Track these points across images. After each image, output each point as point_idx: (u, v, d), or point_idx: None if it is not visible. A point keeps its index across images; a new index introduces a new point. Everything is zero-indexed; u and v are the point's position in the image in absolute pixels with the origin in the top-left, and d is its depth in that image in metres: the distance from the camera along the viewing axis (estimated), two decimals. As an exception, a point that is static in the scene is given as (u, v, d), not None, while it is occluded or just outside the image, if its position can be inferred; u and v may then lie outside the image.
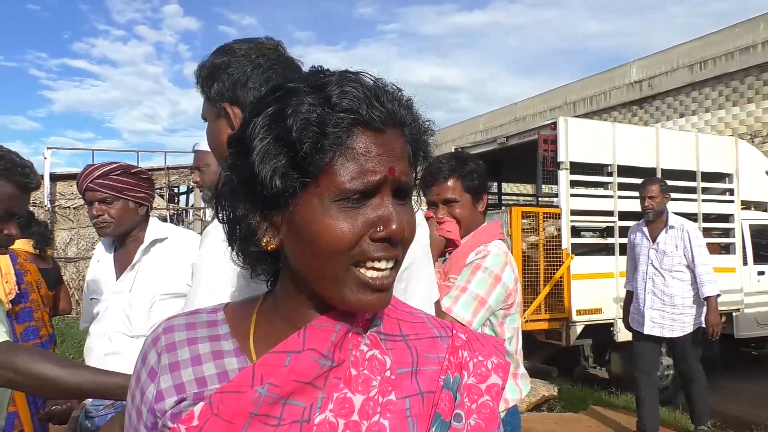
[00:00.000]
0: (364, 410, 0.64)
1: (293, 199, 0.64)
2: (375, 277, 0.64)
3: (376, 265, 0.64)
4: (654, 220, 4.53)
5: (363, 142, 0.63)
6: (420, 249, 1.16)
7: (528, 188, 12.74)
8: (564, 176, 6.16)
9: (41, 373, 1.33)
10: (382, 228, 0.63)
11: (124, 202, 1.93)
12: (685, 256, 4.44)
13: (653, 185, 4.51)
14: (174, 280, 1.96)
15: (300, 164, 0.62)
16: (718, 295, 4.41)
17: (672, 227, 4.49)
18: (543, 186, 6.64)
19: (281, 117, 0.63)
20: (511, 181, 11.48)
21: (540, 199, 7.73)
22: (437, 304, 1.47)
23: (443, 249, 2.04)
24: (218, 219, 0.72)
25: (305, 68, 1.03)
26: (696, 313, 4.45)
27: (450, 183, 2.07)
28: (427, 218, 1.95)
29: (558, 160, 6.15)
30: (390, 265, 0.65)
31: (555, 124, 6.27)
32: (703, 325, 4.44)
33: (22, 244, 3.50)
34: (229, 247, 0.72)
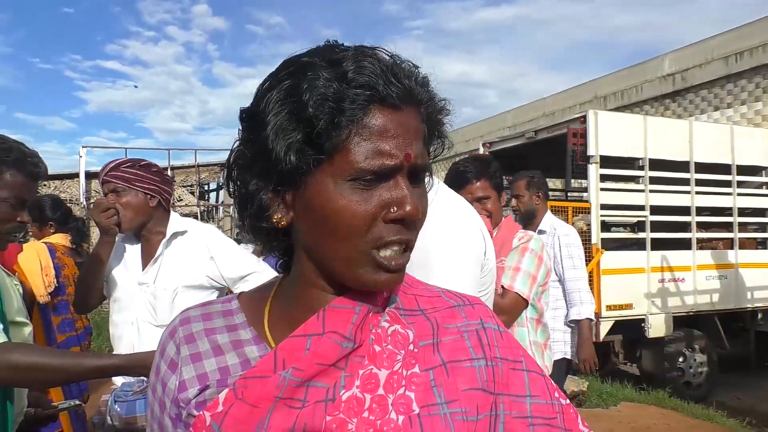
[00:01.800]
0: (389, 384, 0.65)
1: (306, 176, 0.63)
2: (389, 257, 0.64)
3: (391, 248, 0.64)
4: (529, 223, 3.66)
5: (379, 120, 0.62)
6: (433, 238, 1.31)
7: (557, 183, 12.58)
8: (594, 170, 6.08)
9: (30, 364, 1.41)
10: (396, 209, 0.62)
11: (134, 192, 2.01)
12: (554, 268, 3.53)
13: (519, 181, 3.70)
14: (194, 272, 2.04)
15: (315, 141, 0.61)
16: (591, 320, 3.57)
17: (542, 232, 3.61)
18: (572, 180, 6.57)
19: (296, 92, 0.61)
20: (540, 176, 11.34)
21: (569, 193, 7.65)
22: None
23: None
24: (228, 194, 0.71)
25: None
26: (563, 339, 3.56)
27: (479, 184, 2.37)
28: None
29: (588, 154, 6.08)
30: (404, 247, 0.65)
31: (584, 117, 6.19)
32: (569, 357, 3.59)
33: (60, 239, 3.60)
34: (240, 223, 0.72)
